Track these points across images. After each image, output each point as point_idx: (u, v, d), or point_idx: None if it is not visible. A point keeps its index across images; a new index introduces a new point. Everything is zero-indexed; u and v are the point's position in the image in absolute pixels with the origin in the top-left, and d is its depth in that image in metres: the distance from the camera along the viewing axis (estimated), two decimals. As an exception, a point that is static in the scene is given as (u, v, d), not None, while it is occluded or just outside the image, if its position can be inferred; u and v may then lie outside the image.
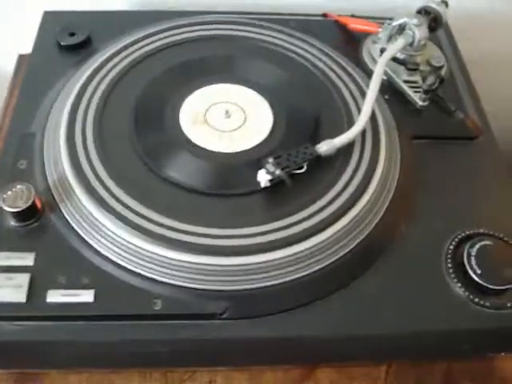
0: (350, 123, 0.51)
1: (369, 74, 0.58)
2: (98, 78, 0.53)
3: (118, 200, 0.45)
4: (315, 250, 0.44)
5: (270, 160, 0.46)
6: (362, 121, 0.50)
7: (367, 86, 0.54)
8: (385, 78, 0.57)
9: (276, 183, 0.46)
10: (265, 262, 0.43)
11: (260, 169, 0.46)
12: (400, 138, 0.54)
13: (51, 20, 0.63)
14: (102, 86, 0.53)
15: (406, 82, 0.57)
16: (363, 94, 0.54)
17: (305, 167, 0.47)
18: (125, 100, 0.52)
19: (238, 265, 0.43)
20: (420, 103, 0.56)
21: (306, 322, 0.43)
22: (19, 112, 0.54)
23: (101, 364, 0.45)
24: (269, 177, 0.46)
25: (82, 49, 0.59)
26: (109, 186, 0.46)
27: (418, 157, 0.53)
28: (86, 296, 0.42)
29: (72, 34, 0.60)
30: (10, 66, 0.65)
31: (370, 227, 0.47)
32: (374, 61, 0.59)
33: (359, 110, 0.52)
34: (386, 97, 0.57)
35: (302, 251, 0.44)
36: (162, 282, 0.43)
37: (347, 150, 0.50)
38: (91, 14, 0.63)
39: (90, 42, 0.60)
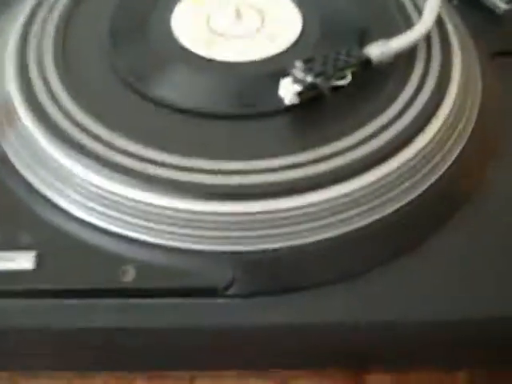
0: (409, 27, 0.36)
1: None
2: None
3: (77, 125, 0.31)
4: (361, 196, 0.30)
5: (298, 64, 0.31)
6: (426, 19, 0.35)
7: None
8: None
9: (308, 99, 0.31)
10: (290, 209, 0.29)
11: (284, 77, 0.31)
12: (478, 54, 0.39)
13: None
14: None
15: (480, -20, 0.42)
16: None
17: (349, 77, 0.32)
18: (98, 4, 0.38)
19: (251, 213, 0.28)
20: (503, 7, 0.41)
21: (350, 302, 0.28)
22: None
23: (48, 363, 0.30)
24: (297, 87, 0.31)
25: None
26: (67, 107, 0.31)
27: (502, 79, 0.38)
28: (24, 261, 0.28)
29: None
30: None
31: (443, 168, 0.32)
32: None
33: (419, 12, 0.37)
34: (455, 2, 0.42)
35: (342, 196, 0.29)
36: (135, 241, 0.29)
37: (408, 59, 0.35)
38: None
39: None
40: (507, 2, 0.41)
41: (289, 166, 0.29)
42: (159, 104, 0.32)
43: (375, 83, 0.33)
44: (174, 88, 0.33)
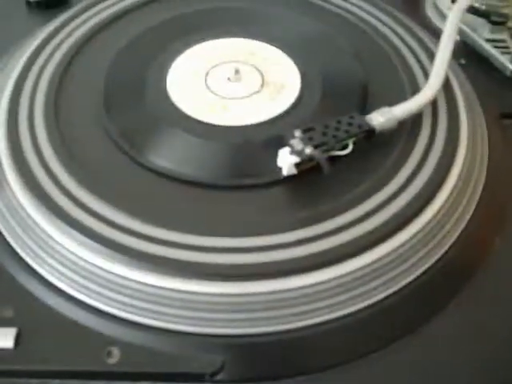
0: (414, 91, 0.35)
1: (435, 33, 0.42)
2: (61, 36, 0.39)
3: (67, 195, 0.30)
4: (366, 275, 0.28)
5: (297, 134, 0.30)
6: (432, 85, 0.34)
7: (436, 46, 0.38)
8: (458, 38, 0.42)
9: (306, 170, 0.30)
10: (286, 290, 0.27)
11: (282, 147, 0.30)
12: (485, 116, 0.38)
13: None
14: (66, 46, 0.38)
15: (489, 40, 0.41)
16: (431, 58, 0.37)
17: (350, 147, 0.31)
18: (96, 63, 0.37)
19: (244, 294, 0.27)
20: (511, 68, 0.40)
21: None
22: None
23: None
24: (295, 159, 0.30)
25: (55, 7, 0.46)
26: (56, 173, 0.30)
27: (510, 142, 0.37)
28: (4, 338, 0.27)
29: (44, -11, 0.46)
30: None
31: (450, 240, 0.31)
32: (443, 16, 0.43)
33: (427, 77, 0.36)
34: (463, 61, 0.41)
35: (344, 275, 0.28)
36: (122, 320, 0.27)
37: (413, 125, 0.33)
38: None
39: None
40: (516, 64, 0.40)
41: (284, 245, 0.28)
42: (153, 172, 0.31)
43: (378, 152, 0.32)
44: (170, 156, 0.31)
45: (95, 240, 0.28)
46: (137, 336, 0.27)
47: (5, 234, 0.30)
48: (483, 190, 0.33)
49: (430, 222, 0.30)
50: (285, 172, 0.30)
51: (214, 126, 0.33)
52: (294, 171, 0.30)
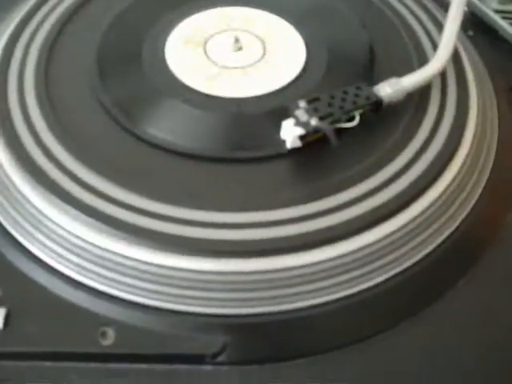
0: (422, 62, 0.34)
1: (443, 5, 0.40)
2: (49, 5, 0.36)
3: (59, 167, 0.28)
4: (372, 252, 0.27)
5: (302, 104, 0.29)
6: (441, 56, 0.32)
7: (444, 16, 0.36)
8: (466, 9, 0.40)
9: (312, 142, 0.29)
10: (291, 268, 0.26)
11: (286, 118, 0.29)
12: (494, 89, 0.36)
13: None
14: (58, 11, 0.36)
15: (497, 11, 0.40)
16: (439, 28, 0.36)
17: (357, 118, 0.30)
18: (89, 28, 0.35)
19: (245, 272, 0.25)
20: (521, 40, 0.38)
21: (358, 369, 0.26)
22: None
23: None
24: (299, 130, 0.28)
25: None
26: (47, 145, 0.29)
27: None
28: (-7, 319, 0.25)
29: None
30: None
31: (461, 216, 0.29)
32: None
33: (435, 48, 0.35)
34: (470, 33, 0.39)
35: (350, 253, 0.26)
36: (117, 299, 0.26)
37: (421, 97, 0.32)
38: None
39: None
40: (526, 35, 0.38)
41: (286, 221, 0.26)
42: (150, 144, 0.29)
43: (386, 124, 0.31)
44: (169, 128, 0.30)
45: (88, 214, 0.26)
46: (133, 316, 0.26)
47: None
48: (493, 163, 0.32)
49: (439, 197, 0.29)
50: (289, 145, 0.29)
51: (215, 96, 0.31)
52: (298, 144, 0.29)
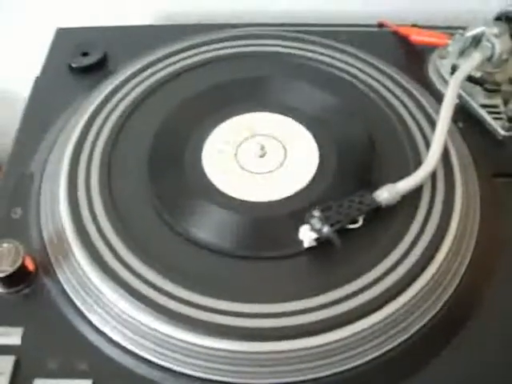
0: (417, 161, 0.41)
1: (437, 96, 0.47)
2: (107, 109, 0.45)
3: (125, 265, 0.36)
4: (375, 331, 0.34)
5: (316, 213, 0.36)
6: (431, 160, 0.39)
7: (436, 112, 0.43)
8: (457, 101, 0.47)
9: (323, 242, 0.36)
10: (305, 348, 0.33)
11: (303, 224, 0.36)
12: (478, 177, 0.43)
13: (64, 38, 0.55)
14: (112, 119, 0.44)
15: (483, 106, 0.46)
16: (432, 124, 0.43)
17: (360, 221, 0.37)
18: (138, 137, 0.43)
19: (264, 352, 0.33)
20: (502, 132, 0.45)
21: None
22: (19, 146, 0.46)
23: None
24: (314, 235, 0.36)
25: (95, 71, 0.51)
26: (115, 246, 0.37)
27: (501, 200, 0.42)
28: (81, 389, 0.33)
29: (85, 54, 0.52)
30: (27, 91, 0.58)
31: (445, 297, 0.36)
32: (444, 80, 0.49)
33: (427, 145, 0.42)
34: (460, 125, 0.46)
35: (358, 332, 0.34)
36: (183, 374, 0.33)
37: (413, 195, 0.39)
38: (108, 30, 0.55)
39: (105, 63, 0.52)
40: (507, 130, 0.45)
41: (304, 310, 0.34)
42: (191, 242, 0.37)
43: (383, 222, 0.38)
44: (207, 229, 0.38)
45: (155, 309, 0.34)
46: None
47: (76, 301, 0.36)
48: (474, 248, 0.39)
49: (428, 283, 0.36)
50: (306, 244, 0.36)
51: (243, 201, 0.39)
52: (313, 243, 0.36)
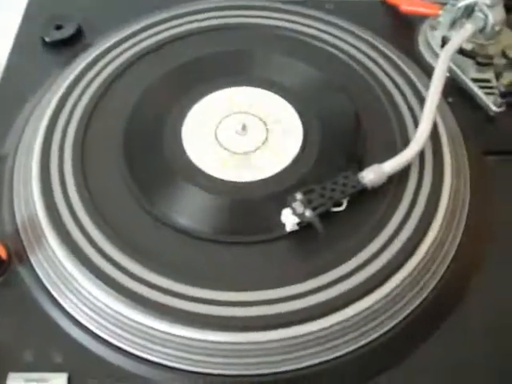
0: (404, 139, 0.39)
1: (426, 69, 0.45)
2: (81, 86, 0.42)
3: (101, 252, 0.34)
4: (361, 319, 0.33)
5: (299, 196, 0.35)
6: (420, 139, 0.38)
7: (425, 87, 0.42)
8: (448, 74, 0.45)
9: (305, 225, 0.35)
10: (287, 338, 0.32)
11: (285, 207, 0.35)
12: (468, 155, 0.41)
13: (36, 9, 0.52)
14: (86, 97, 0.42)
15: (475, 80, 0.44)
16: (420, 100, 0.41)
17: (344, 204, 0.36)
18: (114, 115, 0.41)
19: (247, 343, 0.32)
20: (494, 108, 0.43)
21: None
22: (-9, 126, 0.44)
23: None
24: (296, 219, 0.34)
25: (71, 45, 0.49)
26: (90, 233, 0.35)
27: (492, 179, 0.41)
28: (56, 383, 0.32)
29: (59, 27, 0.49)
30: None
31: (432, 283, 0.35)
32: (434, 52, 0.47)
33: (416, 122, 0.40)
34: (450, 100, 0.44)
35: (343, 321, 0.33)
36: (160, 365, 0.32)
37: (400, 175, 0.38)
38: (83, 0, 0.52)
39: (80, 36, 0.49)
40: (498, 105, 0.43)
41: (286, 298, 0.33)
42: (163, 224, 0.36)
43: (369, 204, 0.36)
44: (186, 213, 0.36)
45: (130, 298, 0.33)
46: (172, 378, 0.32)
47: (50, 289, 0.35)
48: (463, 232, 0.38)
49: (415, 268, 0.35)
50: (288, 228, 0.35)
51: (224, 181, 0.37)
52: (295, 227, 0.35)
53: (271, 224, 0.35)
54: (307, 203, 0.34)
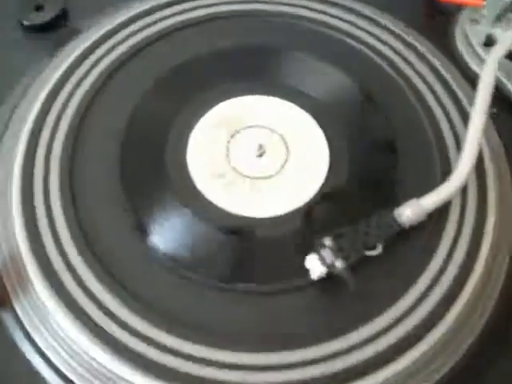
0: (445, 167, 0.34)
1: (464, 70, 0.40)
2: (68, 87, 0.36)
3: (93, 299, 0.29)
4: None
5: (328, 242, 0.30)
6: (463, 170, 0.32)
7: (467, 97, 0.36)
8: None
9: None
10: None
11: (311, 252, 0.30)
12: (512, 178, 0.37)
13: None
14: (74, 101, 0.35)
15: (523, 89, 0.39)
16: (463, 115, 0.36)
17: (379, 248, 0.31)
18: (108, 124, 0.35)
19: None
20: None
21: None
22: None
23: None
24: (323, 269, 0.30)
25: (53, 29, 0.42)
26: (81, 274, 0.30)
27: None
28: None
29: (39, 8, 0.42)
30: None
31: (470, 339, 0.31)
32: (474, 52, 0.40)
33: (458, 144, 0.35)
34: (494, 110, 0.39)
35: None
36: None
37: (438, 210, 0.33)
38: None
39: (64, 19, 0.42)
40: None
41: (309, 362, 0.28)
42: (168, 269, 0.31)
43: (401, 247, 0.31)
44: (188, 255, 0.31)
45: (126, 357, 0.28)
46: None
47: (35, 339, 0.30)
48: (504, 281, 0.33)
49: (454, 322, 0.30)
50: (314, 277, 0.30)
51: (235, 216, 0.32)
52: (323, 275, 0.30)
53: (292, 270, 0.31)
54: (337, 250, 0.29)
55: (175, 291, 0.30)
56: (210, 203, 0.32)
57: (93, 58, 0.37)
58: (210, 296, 0.30)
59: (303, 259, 0.30)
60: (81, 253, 0.31)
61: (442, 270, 0.31)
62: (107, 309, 0.29)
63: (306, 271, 0.30)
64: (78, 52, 0.38)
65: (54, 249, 0.31)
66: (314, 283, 0.30)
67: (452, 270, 0.31)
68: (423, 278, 0.31)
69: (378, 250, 0.31)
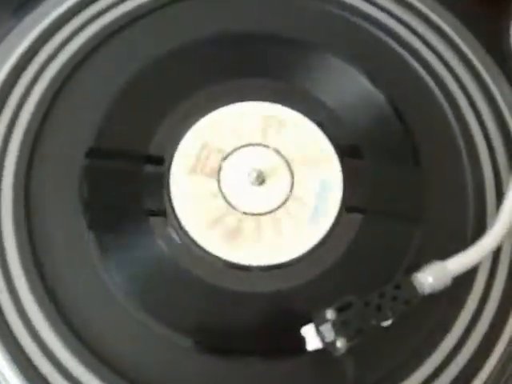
0: (481, 222, 0.28)
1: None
2: (27, 78, 0.29)
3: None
4: None
5: (330, 315, 0.25)
6: (499, 229, 0.27)
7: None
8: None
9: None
10: None
11: (309, 321, 0.25)
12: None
13: None
14: (33, 99, 0.28)
15: None
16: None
17: (390, 321, 0.26)
18: (75, 129, 0.28)
19: None
20: None
21: None
22: None
23: None
24: (319, 344, 0.25)
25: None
26: (48, 342, 0.25)
27: None
28: None
29: None
30: None
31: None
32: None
33: (498, 196, 0.29)
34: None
35: None
36: None
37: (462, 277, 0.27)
38: None
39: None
40: None
41: None
42: (147, 331, 0.26)
43: (415, 316, 0.27)
44: (176, 316, 0.26)
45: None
46: None
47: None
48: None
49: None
50: (309, 348, 0.25)
51: (228, 263, 0.27)
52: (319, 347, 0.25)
53: (286, 337, 0.26)
54: (341, 326, 0.24)
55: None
56: (198, 247, 0.27)
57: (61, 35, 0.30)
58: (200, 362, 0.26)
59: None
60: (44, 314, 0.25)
61: (456, 348, 0.27)
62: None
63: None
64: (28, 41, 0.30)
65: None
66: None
67: (469, 348, 0.27)
68: (438, 351, 0.26)
69: (389, 322, 0.26)
